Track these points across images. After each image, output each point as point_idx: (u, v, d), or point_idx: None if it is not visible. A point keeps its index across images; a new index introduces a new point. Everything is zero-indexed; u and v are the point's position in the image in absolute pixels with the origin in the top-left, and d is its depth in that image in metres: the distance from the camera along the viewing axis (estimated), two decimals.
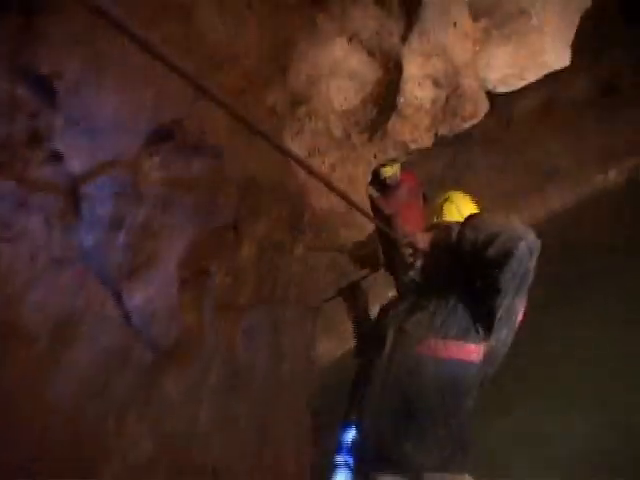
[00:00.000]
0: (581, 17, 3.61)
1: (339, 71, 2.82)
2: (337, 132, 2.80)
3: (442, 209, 2.27)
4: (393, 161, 3.41)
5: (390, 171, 4.53)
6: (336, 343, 4.36)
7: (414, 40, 2.78)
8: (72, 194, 1.21)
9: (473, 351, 1.80)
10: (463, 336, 1.78)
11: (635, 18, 4.26)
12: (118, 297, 1.25)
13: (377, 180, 4.50)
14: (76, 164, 1.21)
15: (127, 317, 1.25)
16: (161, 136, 1.28)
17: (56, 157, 1.21)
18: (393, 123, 2.85)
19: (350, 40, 2.82)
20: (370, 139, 2.89)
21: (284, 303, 2.07)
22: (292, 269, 2.17)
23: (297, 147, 2.61)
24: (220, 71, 2.27)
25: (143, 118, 1.26)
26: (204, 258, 1.53)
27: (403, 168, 4.61)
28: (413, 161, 3.83)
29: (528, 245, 1.59)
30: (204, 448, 1.39)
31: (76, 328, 1.15)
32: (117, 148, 1.23)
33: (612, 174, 5.35)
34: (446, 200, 2.32)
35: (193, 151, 1.35)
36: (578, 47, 3.76)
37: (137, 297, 1.27)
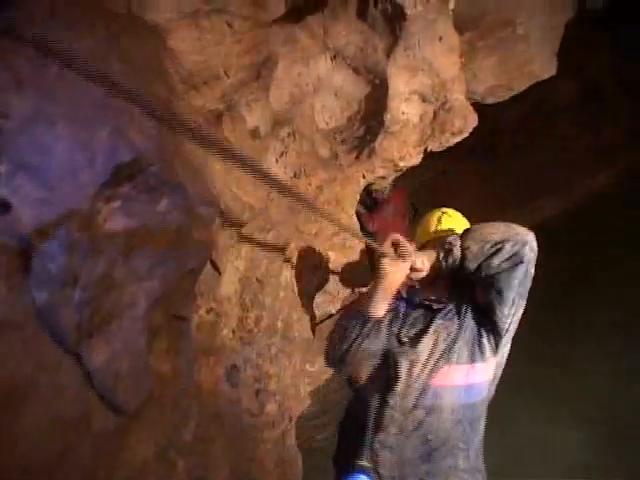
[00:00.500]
0: (565, 26, 3.50)
1: (323, 89, 2.67)
2: (323, 152, 2.64)
3: (440, 222, 2.10)
4: (383, 178, 3.29)
5: (378, 185, 4.44)
6: None
7: (399, 55, 2.63)
8: (20, 248, 1.06)
9: (482, 370, 1.71)
10: (472, 357, 1.68)
11: (617, 26, 4.16)
12: (76, 359, 1.09)
13: (367, 195, 4.40)
14: (24, 214, 1.06)
15: (86, 381, 1.09)
16: (120, 177, 1.12)
17: (1, 206, 1.06)
18: (381, 141, 2.70)
19: (334, 57, 2.67)
20: (357, 158, 2.73)
21: (271, 336, 1.92)
22: (279, 298, 2.02)
23: (282, 169, 2.45)
24: (198, 93, 2.12)
25: (99, 159, 1.09)
26: (178, 301, 1.38)
27: (394, 186, 4.52)
28: (403, 173, 3.70)
29: (532, 249, 1.57)
30: None
31: (24, 399, 0.99)
32: (71, 194, 1.07)
33: (601, 178, 5.23)
34: (444, 214, 2.16)
35: (157, 191, 1.19)
36: (563, 55, 3.66)
37: (99, 356, 1.11)
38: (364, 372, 1.70)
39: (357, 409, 1.71)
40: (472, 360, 1.68)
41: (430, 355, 1.67)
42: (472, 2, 3.15)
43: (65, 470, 1.04)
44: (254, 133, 2.35)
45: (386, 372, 1.67)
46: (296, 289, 2.10)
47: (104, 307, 1.11)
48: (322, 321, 2.56)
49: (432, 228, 2.11)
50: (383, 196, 4.59)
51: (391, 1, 2.48)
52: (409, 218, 4.72)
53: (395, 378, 1.63)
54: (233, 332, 1.76)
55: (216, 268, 1.67)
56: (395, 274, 1.69)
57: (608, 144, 5.16)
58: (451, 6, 2.65)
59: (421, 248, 2.05)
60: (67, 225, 1.06)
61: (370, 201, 4.63)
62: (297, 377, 1.96)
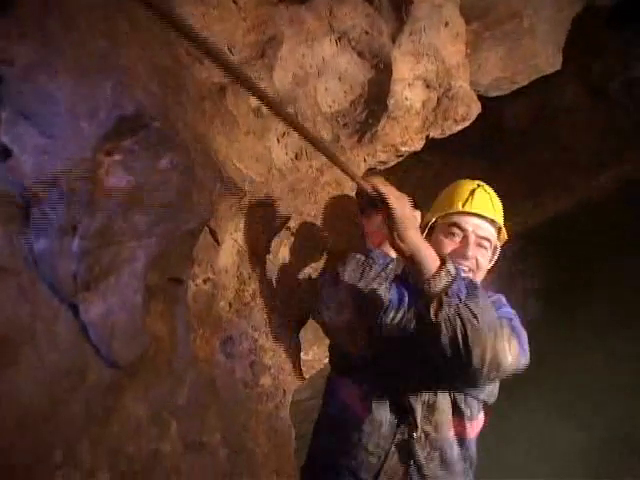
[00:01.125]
0: (572, 22, 3.51)
1: (327, 71, 2.67)
2: (325, 135, 2.64)
3: (472, 197, 1.75)
4: (384, 163, 3.27)
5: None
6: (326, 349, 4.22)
7: (405, 40, 2.63)
8: (20, 196, 1.05)
9: (482, 421, 1.78)
10: (479, 410, 1.73)
11: (624, 24, 4.16)
12: (72, 310, 1.08)
13: (362, 194, 4.33)
14: (25, 162, 1.05)
15: (83, 332, 1.09)
16: (122, 131, 1.11)
17: (1, 154, 1.05)
18: (383, 125, 2.70)
19: (339, 40, 2.67)
20: (359, 142, 2.73)
21: (268, 311, 1.92)
22: (276, 275, 2.02)
23: (283, 149, 2.45)
24: (202, 66, 2.12)
25: (102, 110, 1.09)
26: (176, 263, 1.37)
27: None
28: (403, 167, 3.70)
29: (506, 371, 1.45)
30: (171, 476, 1.23)
31: (19, 347, 0.98)
32: (72, 144, 1.07)
33: (603, 179, 5.23)
34: (479, 187, 1.81)
35: (159, 147, 1.18)
36: (569, 53, 3.66)
37: (95, 309, 1.10)
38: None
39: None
40: (478, 414, 1.79)
41: (443, 401, 1.70)
42: None
43: (58, 422, 1.03)
44: (256, 112, 2.35)
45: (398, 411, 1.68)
46: (294, 267, 2.10)
47: (102, 260, 1.11)
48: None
49: (460, 203, 1.76)
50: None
51: None
52: (414, 204, 4.66)
53: (413, 419, 1.64)
54: (230, 304, 1.75)
55: (215, 238, 1.67)
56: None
57: (612, 144, 5.16)
58: None
59: (430, 228, 1.84)
60: (68, 174, 1.05)
61: (364, 200, 4.57)
62: (295, 353, 1.96)
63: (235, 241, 1.78)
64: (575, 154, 5.18)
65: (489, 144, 5.29)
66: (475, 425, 1.73)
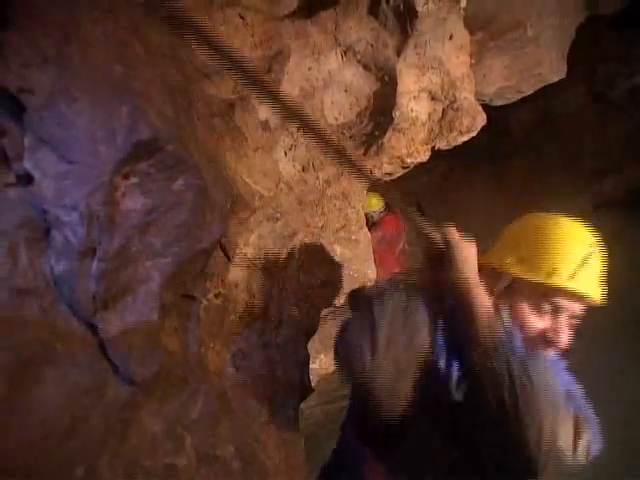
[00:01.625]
0: (577, 30, 3.55)
1: (333, 84, 2.71)
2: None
3: (584, 268, 1.26)
4: (390, 175, 3.31)
5: (373, 205, 4.49)
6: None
7: (409, 53, 2.67)
8: (41, 219, 1.10)
9: None
10: None
11: (628, 31, 4.20)
12: (91, 329, 1.13)
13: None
14: (46, 186, 1.10)
15: (101, 351, 1.13)
16: (138, 154, 1.16)
17: (24, 179, 1.10)
18: (389, 137, 2.74)
19: (345, 53, 2.72)
20: (365, 154, 2.77)
21: (277, 324, 1.96)
22: (285, 288, 2.06)
23: (290, 162, 2.49)
24: (211, 83, 2.17)
25: (119, 135, 1.14)
26: (189, 281, 1.42)
27: (390, 211, 4.56)
28: (409, 173, 3.73)
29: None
30: None
31: (42, 367, 1.03)
32: (91, 168, 1.11)
33: (607, 185, 5.26)
34: (593, 254, 1.28)
35: (174, 169, 1.23)
36: (573, 60, 3.69)
37: (114, 328, 1.15)
38: None
39: None
40: None
41: None
42: (483, 2, 3.18)
43: (79, 438, 1.08)
44: (265, 125, 2.39)
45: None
46: (303, 280, 2.14)
47: (120, 280, 1.15)
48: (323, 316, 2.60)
49: (565, 274, 1.24)
50: (376, 216, 4.64)
51: None
52: (402, 247, 4.71)
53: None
54: (240, 318, 1.80)
55: (226, 253, 1.71)
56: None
57: (616, 151, 5.19)
58: (462, 4, 2.69)
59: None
60: (87, 198, 1.10)
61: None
62: (304, 366, 1.99)
63: (245, 255, 1.82)
64: (580, 159, 5.22)
65: (494, 150, 5.33)
66: None
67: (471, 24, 3.22)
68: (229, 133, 1.95)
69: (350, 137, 2.82)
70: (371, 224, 4.54)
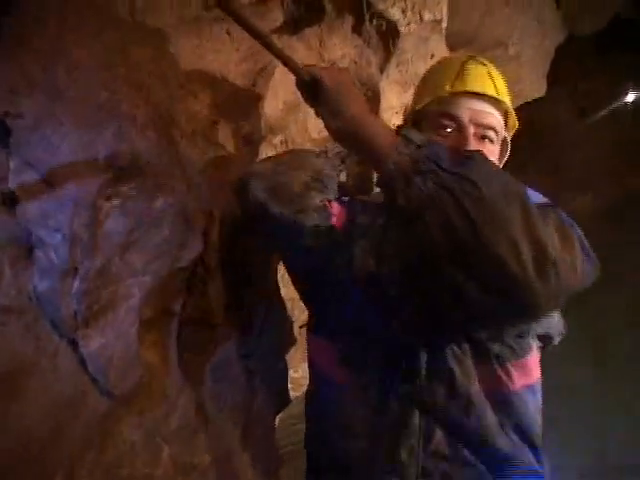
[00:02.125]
0: (557, 49, 3.65)
1: None
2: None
3: (464, 71, 1.31)
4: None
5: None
6: None
7: (392, 70, 2.77)
8: (25, 239, 1.16)
9: (535, 364, 1.27)
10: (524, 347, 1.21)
11: (608, 50, 4.33)
12: (72, 345, 1.19)
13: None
14: (30, 208, 1.16)
15: (81, 365, 1.19)
16: (120, 177, 1.23)
17: (9, 200, 1.16)
18: None
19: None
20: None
21: (257, 335, 2.02)
22: (266, 301, 2.12)
23: None
24: (195, 99, 2.23)
25: (101, 159, 1.21)
26: (168, 296, 1.48)
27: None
28: None
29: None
30: None
31: (26, 380, 1.09)
32: (74, 192, 1.18)
33: (589, 198, 5.39)
34: (471, 59, 1.40)
35: (154, 191, 1.30)
36: (555, 77, 3.80)
37: (94, 343, 1.21)
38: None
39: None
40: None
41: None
42: (466, 21, 3.28)
43: (58, 447, 1.14)
44: (248, 139, 2.46)
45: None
46: (283, 293, 2.21)
47: (101, 298, 1.22)
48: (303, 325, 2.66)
49: (447, 83, 1.31)
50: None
51: (385, 18, 2.61)
52: None
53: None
54: (220, 330, 1.86)
55: (205, 266, 1.77)
56: None
57: (597, 169, 5.33)
58: (444, 25, 2.78)
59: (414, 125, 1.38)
60: (70, 220, 1.16)
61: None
62: (283, 376, 2.06)
63: (226, 271, 1.88)
64: (563, 171, 5.34)
65: None
66: (520, 371, 1.19)
67: (454, 41, 3.32)
68: (212, 150, 2.02)
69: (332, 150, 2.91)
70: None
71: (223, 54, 2.37)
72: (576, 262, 0.98)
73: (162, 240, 1.33)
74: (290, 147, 2.70)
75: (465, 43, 3.36)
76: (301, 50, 2.69)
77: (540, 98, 3.80)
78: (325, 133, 2.93)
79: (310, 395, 1.58)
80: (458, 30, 3.24)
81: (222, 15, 2.36)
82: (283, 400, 1.98)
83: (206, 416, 1.61)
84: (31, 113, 1.20)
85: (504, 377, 1.16)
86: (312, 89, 1.22)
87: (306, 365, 3.26)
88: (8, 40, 1.21)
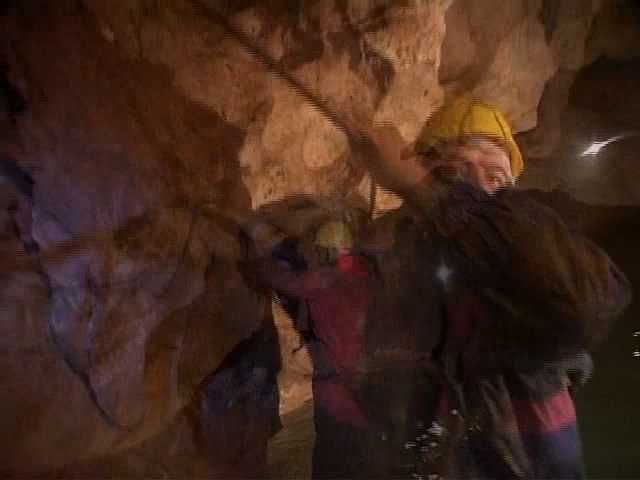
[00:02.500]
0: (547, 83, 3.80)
1: (314, 132, 2.93)
2: (310, 190, 2.91)
3: (471, 115, 1.39)
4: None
5: (340, 236, 4.46)
6: (307, 387, 4.46)
7: (387, 106, 2.91)
8: (45, 283, 1.29)
9: (568, 405, 1.23)
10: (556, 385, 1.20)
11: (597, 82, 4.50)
12: (85, 381, 1.32)
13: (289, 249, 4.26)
14: (50, 255, 1.29)
15: (92, 399, 1.32)
16: (131, 228, 1.36)
17: (31, 248, 1.29)
18: (365, 183, 2.97)
19: (325, 103, 2.94)
20: (344, 195, 3.00)
21: (250, 364, 2.15)
22: (257, 330, 2.25)
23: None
24: (197, 135, 2.37)
25: (115, 213, 1.34)
26: (170, 333, 1.61)
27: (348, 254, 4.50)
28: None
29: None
30: None
31: (43, 414, 1.22)
32: (89, 241, 1.32)
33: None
34: (477, 103, 1.47)
35: (161, 239, 1.43)
36: (547, 107, 3.93)
37: (103, 379, 1.34)
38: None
39: None
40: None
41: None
42: (461, 54, 3.41)
43: (70, 476, 1.27)
44: (246, 171, 2.60)
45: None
46: (276, 321, 2.34)
47: (111, 338, 1.35)
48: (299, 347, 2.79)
49: (455, 126, 1.39)
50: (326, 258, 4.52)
51: (381, 58, 2.76)
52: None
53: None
54: (215, 358, 1.99)
55: (204, 306, 1.90)
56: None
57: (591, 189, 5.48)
58: (437, 65, 2.93)
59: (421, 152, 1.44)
60: (86, 267, 1.30)
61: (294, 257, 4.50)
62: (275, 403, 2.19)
63: (217, 312, 2.02)
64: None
65: None
66: (555, 410, 1.16)
67: (448, 73, 3.47)
68: (212, 187, 2.16)
69: (328, 181, 3.05)
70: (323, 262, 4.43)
71: (224, 89, 2.51)
72: (608, 281, 0.95)
73: (167, 283, 1.46)
74: (286, 178, 2.84)
75: (460, 74, 3.51)
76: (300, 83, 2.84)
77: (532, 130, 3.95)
78: (321, 163, 3.08)
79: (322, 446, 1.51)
80: (454, 61, 3.38)
81: (223, 50, 2.52)
82: (275, 426, 2.11)
83: (203, 443, 1.74)
84: (52, 167, 1.33)
85: (541, 416, 1.13)
86: (363, 148, 1.24)
87: (297, 385, 3.39)
88: (34, 101, 1.34)
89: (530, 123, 3.82)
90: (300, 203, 2.27)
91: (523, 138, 3.37)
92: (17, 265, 1.27)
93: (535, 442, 1.12)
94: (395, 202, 1.71)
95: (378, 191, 1.50)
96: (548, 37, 3.60)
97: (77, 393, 1.30)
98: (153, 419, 1.54)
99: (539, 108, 3.31)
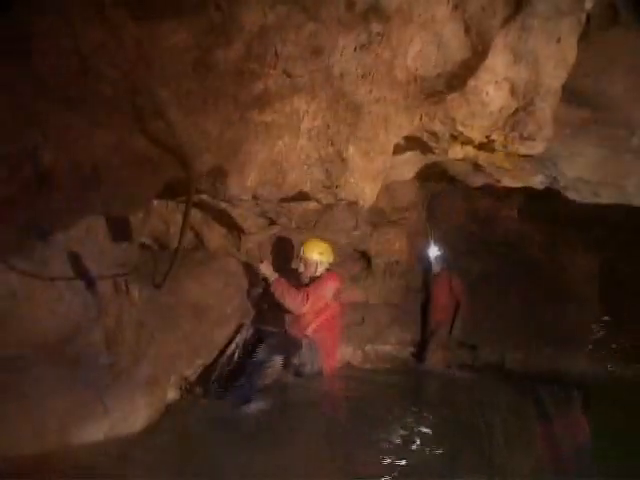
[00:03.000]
0: None
1: (430, 33, 2.94)
2: (404, 89, 3.01)
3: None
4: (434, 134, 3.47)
5: (306, 251, 4.53)
6: None
7: (512, 31, 2.86)
8: None
9: None
10: None
11: None
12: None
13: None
14: None
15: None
16: None
17: None
18: (453, 98, 3.14)
19: (456, 7, 2.88)
20: (425, 100, 3.09)
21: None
22: None
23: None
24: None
25: None
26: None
27: (331, 270, 4.73)
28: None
29: None
30: None
31: None
32: None
33: None
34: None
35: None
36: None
37: None
38: None
39: None
40: None
41: None
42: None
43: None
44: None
45: None
46: None
47: None
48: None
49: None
50: (313, 265, 4.70)
51: None
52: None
53: None
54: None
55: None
56: None
57: None
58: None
59: None
60: None
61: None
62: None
63: None
64: None
65: None
66: None
67: (583, 94, 3.46)
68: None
69: (421, 88, 3.09)
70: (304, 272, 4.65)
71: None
72: None
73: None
74: None
75: (592, 102, 3.73)
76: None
77: None
78: (421, 72, 3.11)
79: None
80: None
81: None
82: None
83: None
84: None
85: None
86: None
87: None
88: None
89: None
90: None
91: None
92: None
93: None
94: None
95: None
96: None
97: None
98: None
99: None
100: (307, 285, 4.62)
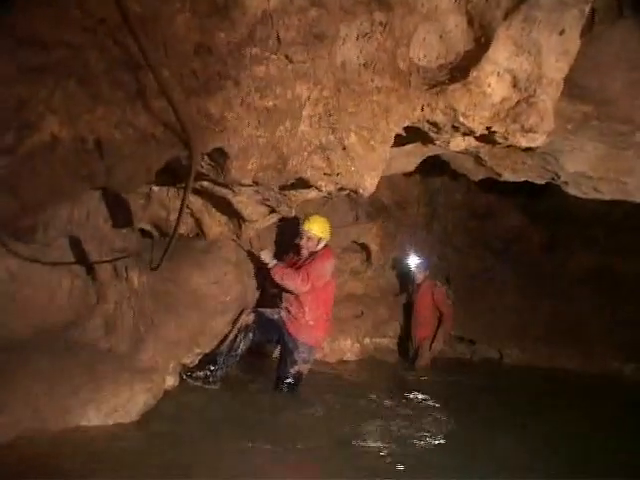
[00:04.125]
0: None
1: (432, 24, 2.93)
2: (409, 77, 3.00)
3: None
4: (435, 125, 3.47)
5: (309, 225, 4.58)
6: None
7: (515, 23, 2.83)
8: None
9: None
10: None
11: None
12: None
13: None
14: None
15: None
16: None
17: None
18: (454, 89, 3.08)
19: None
20: (428, 90, 3.09)
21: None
22: None
23: None
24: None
25: None
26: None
27: (327, 246, 4.77)
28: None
29: None
30: None
31: None
32: None
33: None
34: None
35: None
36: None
37: None
38: None
39: None
40: None
41: None
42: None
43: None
44: None
45: None
46: None
47: None
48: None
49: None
50: (310, 237, 4.71)
51: None
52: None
53: None
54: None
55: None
56: None
57: None
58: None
59: None
60: None
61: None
62: None
63: None
64: None
65: None
66: None
67: (586, 90, 3.43)
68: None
69: (423, 79, 3.10)
70: (302, 244, 4.69)
71: None
72: None
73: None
74: None
75: (595, 98, 3.66)
76: None
77: None
78: (424, 63, 3.18)
79: None
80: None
81: None
82: None
83: None
84: None
85: None
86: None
87: None
88: None
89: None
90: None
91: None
92: None
93: None
94: None
95: None
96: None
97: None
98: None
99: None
100: (304, 261, 4.68)
